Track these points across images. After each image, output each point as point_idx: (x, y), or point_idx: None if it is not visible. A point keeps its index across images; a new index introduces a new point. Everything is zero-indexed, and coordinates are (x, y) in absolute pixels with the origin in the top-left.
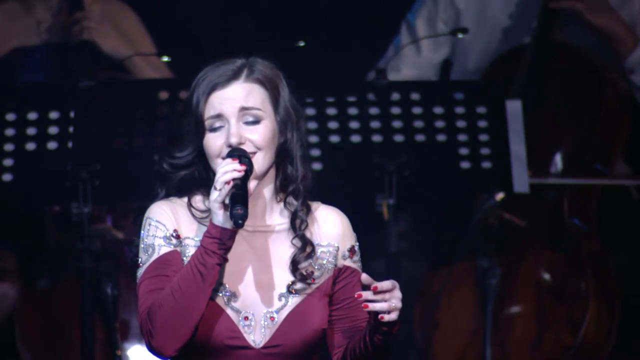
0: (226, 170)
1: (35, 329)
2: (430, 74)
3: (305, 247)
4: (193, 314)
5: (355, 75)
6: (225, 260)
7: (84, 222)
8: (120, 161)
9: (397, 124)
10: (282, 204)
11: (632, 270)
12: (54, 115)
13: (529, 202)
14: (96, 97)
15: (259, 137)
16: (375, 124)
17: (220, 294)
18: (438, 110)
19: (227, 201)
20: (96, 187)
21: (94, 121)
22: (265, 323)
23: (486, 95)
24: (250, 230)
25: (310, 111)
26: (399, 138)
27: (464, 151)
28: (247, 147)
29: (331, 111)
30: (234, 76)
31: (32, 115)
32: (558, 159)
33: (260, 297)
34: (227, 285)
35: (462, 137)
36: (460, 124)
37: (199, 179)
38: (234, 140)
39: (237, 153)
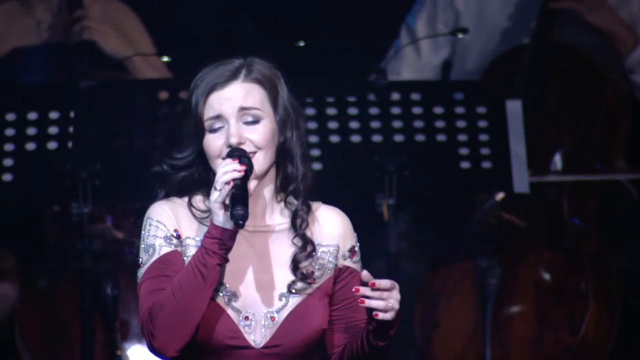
0: (226, 171)
1: (35, 329)
2: (430, 75)
3: (306, 247)
4: (194, 315)
5: (355, 75)
6: (226, 260)
7: (84, 222)
8: (120, 161)
9: (397, 124)
10: (282, 203)
11: (632, 270)
12: (54, 115)
13: (529, 202)
14: (96, 97)
15: (258, 137)
16: (375, 124)
17: (221, 294)
18: (438, 110)
19: (227, 201)
20: (96, 187)
21: (94, 121)
22: (266, 323)
23: (486, 95)
24: (250, 230)
25: (310, 111)
26: (399, 138)
27: (464, 151)
28: (247, 147)
29: (331, 111)
30: (232, 76)
31: (32, 115)
32: (558, 158)
33: (260, 297)
34: (227, 285)
35: (462, 137)
36: (460, 124)
37: (198, 180)
38: (233, 141)
39: (237, 153)
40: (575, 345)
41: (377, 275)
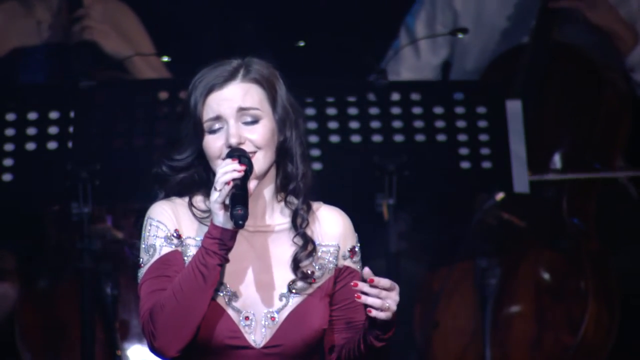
0: (226, 171)
1: (35, 329)
2: (429, 76)
3: (307, 246)
4: (195, 315)
5: (355, 75)
6: (227, 260)
7: (84, 222)
8: (120, 161)
9: (397, 124)
10: (282, 203)
11: (632, 270)
12: (54, 115)
13: (528, 201)
14: (96, 97)
15: (258, 137)
16: (375, 124)
17: (221, 294)
18: (438, 110)
19: (227, 202)
20: (96, 187)
21: (94, 121)
22: (266, 323)
23: (486, 95)
24: (251, 231)
25: (310, 111)
26: (399, 138)
27: (464, 151)
28: (247, 147)
29: (331, 111)
30: (230, 77)
31: (32, 115)
32: (557, 158)
33: (261, 297)
34: (228, 285)
35: (462, 137)
36: (460, 124)
37: (198, 181)
38: (233, 141)
39: (236, 153)
40: (575, 345)
41: (377, 275)
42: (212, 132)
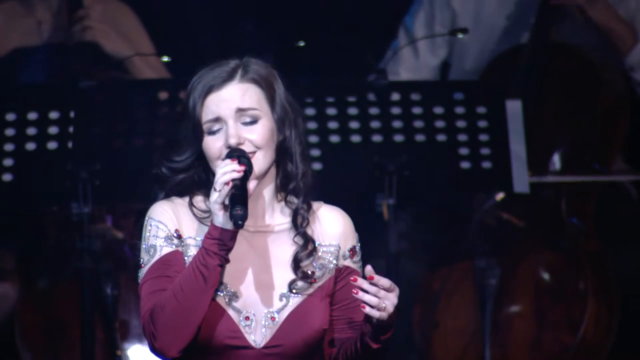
0: (225, 171)
1: (35, 329)
2: (429, 76)
3: (307, 245)
4: (195, 315)
5: (355, 75)
6: (227, 261)
7: (84, 222)
8: (120, 161)
9: (397, 124)
10: (282, 203)
11: (631, 270)
12: (54, 115)
13: (527, 202)
14: (96, 97)
15: (257, 137)
16: (375, 124)
17: (222, 294)
18: (438, 110)
19: (227, 202)
20: (96, 187)
21: (94, 121)
22: (266, 323)
23: (486, 95)
24: (251, 231)
25: (310, 111)
26: (399, 138)
27: (464, 151)
28: (247, 147)
29: (331, 111)
30: (228, 77)
31: (32, 115)
32: (556, 158)
33: (261, 297)
34: (228, 285)
35: (462, 137)
36: (460, 124)
37: (198, 182)
38: (232, 141)
39: (236, 153)
40: (574, 345)
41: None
42: (212, 133)
